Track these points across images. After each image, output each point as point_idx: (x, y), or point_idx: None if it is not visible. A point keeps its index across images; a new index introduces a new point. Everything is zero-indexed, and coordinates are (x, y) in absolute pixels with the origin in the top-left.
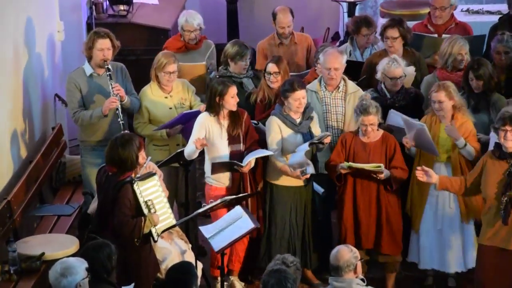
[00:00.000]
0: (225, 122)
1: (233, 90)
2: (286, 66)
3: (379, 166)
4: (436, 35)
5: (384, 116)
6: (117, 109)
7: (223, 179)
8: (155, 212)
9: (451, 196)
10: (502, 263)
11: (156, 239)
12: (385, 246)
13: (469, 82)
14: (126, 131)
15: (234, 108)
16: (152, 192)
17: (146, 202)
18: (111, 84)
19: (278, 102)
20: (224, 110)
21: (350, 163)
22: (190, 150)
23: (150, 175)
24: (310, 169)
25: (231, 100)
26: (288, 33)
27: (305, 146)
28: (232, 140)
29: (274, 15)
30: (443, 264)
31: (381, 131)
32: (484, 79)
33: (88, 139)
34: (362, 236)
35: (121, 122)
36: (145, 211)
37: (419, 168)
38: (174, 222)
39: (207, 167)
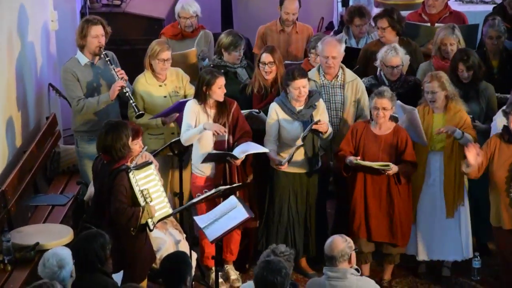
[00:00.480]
0: (212, 112)
1: (220, 80)
2: (280, 56)
3: (388, 165)
4: (429, 24)
5: None
6: (126, 92)
7: (205, 169)
8: (151, 201)
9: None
10: None
11: (152, 228)
12: (399, 238)
13: (457, 73)
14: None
15: (221, 99)
16: (148, 181)
17: (142, 191)
18: (114, 69)
19: (282, 90)
20: (210, 99)
21: (359, 161)
22: (192, 133)
23: (146, 164)
24: (285, 161)
25: (218, 90)
26: (292, 20)
27: (299, 141)
28: None
29: (281, 1)
30: (442, 252)
31: (393, 124)
32: (475, 68)
33: (84, 128)
34: (372, 228)
35: (133, 104)
36: (141, 200)
37: (474, 146)
38: (170, 211)
39: (195, 156)
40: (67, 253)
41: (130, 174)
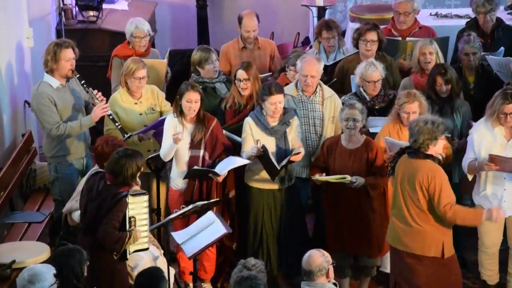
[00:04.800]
0: (189, 125)
1: (189, 95)
2: (256, 72)
3: (344, 177)
4: (400, 39)
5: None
6: (110, 114)
7: (178, 182)
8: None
9: None
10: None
11: (127, 257)
12: (375, 250)
13: (435, 88)
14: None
15: (190, 113)
16: (137, 210)
17: (129, 218)
18: (92, 92)
19: (257, 105)
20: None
21: (317, 177)
22: (166, 149)
23: (142, 193)
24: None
25: (186, 104)
26: (253, 37)
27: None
28: (193, 145)
29: (240, 19)
30: None
31: (364, 137)
32: (452, 83)
33: (63, 153)
34: (346, 241)
35: (119, 127)
36: (127, 226)
37: None
38: (147, 246)
39: (173, 171)
40: (44, 271)
41: (127, 199)
